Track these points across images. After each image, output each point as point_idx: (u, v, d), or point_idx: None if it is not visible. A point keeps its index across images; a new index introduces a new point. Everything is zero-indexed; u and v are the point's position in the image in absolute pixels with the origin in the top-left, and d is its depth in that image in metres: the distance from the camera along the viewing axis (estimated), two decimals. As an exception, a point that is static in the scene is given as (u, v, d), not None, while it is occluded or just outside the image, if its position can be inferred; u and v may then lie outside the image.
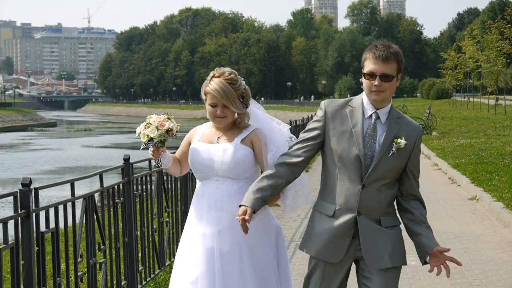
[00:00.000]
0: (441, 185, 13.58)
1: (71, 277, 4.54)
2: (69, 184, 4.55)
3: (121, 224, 5.60)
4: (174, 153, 4.18)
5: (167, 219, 6.58)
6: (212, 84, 3.84)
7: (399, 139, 3.55)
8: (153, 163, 4.03)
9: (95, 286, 4.86)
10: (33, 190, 3.99)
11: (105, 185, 5.17)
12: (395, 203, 3.71)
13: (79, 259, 4.64)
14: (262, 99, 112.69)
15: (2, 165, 32.49)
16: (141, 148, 3.93)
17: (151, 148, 3.89)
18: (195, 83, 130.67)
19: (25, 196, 3.91)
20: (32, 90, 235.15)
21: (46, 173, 28.77)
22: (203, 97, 3.94)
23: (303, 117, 23.78)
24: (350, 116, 3.60)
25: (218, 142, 3.91)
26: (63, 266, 5.10)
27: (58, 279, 4.30)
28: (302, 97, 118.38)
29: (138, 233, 5.85)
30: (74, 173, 28.44)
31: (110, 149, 43.32)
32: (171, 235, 6.69)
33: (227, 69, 3.91)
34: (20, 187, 3.92)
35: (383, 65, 3.50)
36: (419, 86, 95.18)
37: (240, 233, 3.69)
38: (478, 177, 12.97)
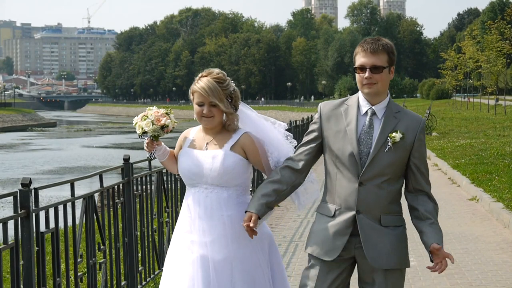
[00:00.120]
0: (441, 185, 13.57)
1: (71, 277, 4.54)
2: (69, 184, 4.55)
3: (121, 224, 5.60)
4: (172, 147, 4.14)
5: (167, 219, 6.58)
6: (199, 83, 3.80)
7: (394, 133, 3.50)
8: (147, 155, 3.98)
9: (95, 286, 4.86)
10: (33, 190, 3.99)
11: (105, 185, 5.17)
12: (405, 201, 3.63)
13: (79, 259, 4.63)
14: (262, 99, 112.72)
15: (2, 165, 32.49)
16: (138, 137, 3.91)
17: (146, 140, 3.87)
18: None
19: (25, 196, 3.91)
20: (32, 90, 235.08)
21: (46, 173, 28.77)
22: (191, 96, 3.88)
23: (303, 117, 23.76)
24: (345, 114, 3.58)
25: (207, 149, 3.84)
26: (63, 266, 5.11)
27: (58, 279, 4.30)
28: (302, 97, 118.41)
29: (138, 233, 5.84)
30: (74, 173, 28.44)
31: (110, 149, 43.32)
32: (171, 235, 6.68)
33: (216, 70, 3.87)
34: (20, 187, 3.92)
35: (373, 57, 3.50)
36: (419, 86, 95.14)
37: (231, 242, 3.69)
38: (478, 178, 12.97)
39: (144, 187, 5.98)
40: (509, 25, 41.12)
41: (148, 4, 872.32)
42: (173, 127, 3.88)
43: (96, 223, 4.95)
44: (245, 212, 3.67)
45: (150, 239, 6.11)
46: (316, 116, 3.68)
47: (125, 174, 5.57)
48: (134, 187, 5.73)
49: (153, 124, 3.80)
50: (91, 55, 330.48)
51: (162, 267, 6.39)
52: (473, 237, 8.62)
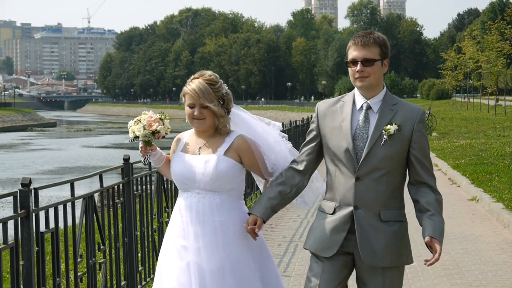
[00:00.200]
0: (441, 185, 13.47)
1: (70, 277, 4.54)
2: (69, 184, 4.55)
3: (121, 224, 5.60)
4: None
5: (167, 219, 6.57)
6: (190, 85, 3.76)
7: (389, 125, 3.45)
8: (141, 160, 3.96)
9: (94, 286, 4.85)
10: (32, 190, 3.99)
11: (105, 185, 5.17)
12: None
13: (78, 259, 4.63)
14: (263, 99, 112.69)
15: (2, 165, 32.49)
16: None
17: (140, 145, 3.84)
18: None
19: (25, 196, 3.91)
20: (32, 90, 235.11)
21: (46, 173, 28.78)
22: (182, 99, 3.83)
23: (303, 118, 23.73)
24: (340, 111, 3.57)
25: (199, 153, 3.80)
26: (62, 266, 5.11)
27: (57, 279, 4.30)
28: (302, 98, 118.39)
29: (138, 233, 5.84)
30: (74, 173, 28.44)
31: (110, 149, 43.33)
32: (171, 235, 6.68)
33: (208, 72, 3.83)
34: (20, 187, 3.92)
35: (364, 50, 3.48)
36: (419, 86, 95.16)
37: (222, 249, 3.67)
38: (478, 178, 12.97)
39: (144, 187, 5.97)
40: (509, 26, 41.14)
41: (148, 4, 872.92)
42: (165, 134, 3.82)
43: (96, 223, 4.94)
44: (249, 213, 3.65)
45: (150, 239, 6.11)
46: (314, 115, 3.69)
47: (125, 174, 5.57)
48: (134, 187, 5.72)
49: (144, 129, 3.76)
50: (91, 55, 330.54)
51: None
52: (473, 238, 8.62)
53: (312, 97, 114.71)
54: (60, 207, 4.42)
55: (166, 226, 6.53)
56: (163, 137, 3.82)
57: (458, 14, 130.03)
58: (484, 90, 49.44)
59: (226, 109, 3.81)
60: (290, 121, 17.85)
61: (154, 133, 3.77)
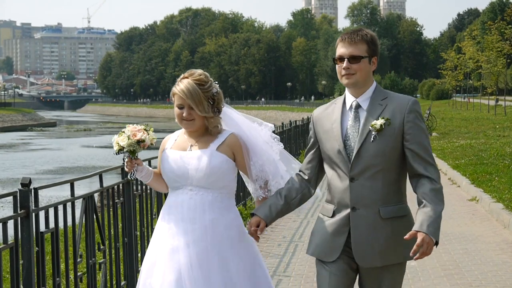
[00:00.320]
0: (441, 185, 13.56)
1: (70, 277, 4.54)
2: (68, 184, 4.55)
3: (120, 224, 5.60)
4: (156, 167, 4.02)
5: (166, 219, 6.57)
6: (179, 85, 3.70)
7: (375, 120, 3.41)
8: (128, 176, 3.86)
9: (94, 286, 4.85)
10: (32, 190, 3.98)
11: (104, 185, 5.16)
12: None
13: (78, 259, 4.63)
14: (263, 99, 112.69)
15: (2, 165, 32.48)
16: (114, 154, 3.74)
17: (125, 159, 3.73)
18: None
19: (25, 196, 3.91)
20: (32, 90, 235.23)
21: (46, 173, 28.78)
22: (172, 99, 3.76)
23: (303, 118, 23.72)
24: (332, 113, 3.57)
25: (191, 150, 3.74)
26: (62, 266, 5.11)
27: (57, 279, 4.29)
28: (302, 98, 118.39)
29: (138, 233, 5.84)
30: (74, 173, 28.44)
31: (110, 149, 42.77)
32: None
33: (198, 71, 3.75)
34: (20, 187, 3.92)
35: (350, 47, 3.46)
36: (419, 86, 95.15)
37: (211, 246, 3.63)
38: (478, 178, 12.97)
39: (144, 187, 5.97)
40: (509, 26, 41.17)
41: (148, 4, 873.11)
42: (151, 143, 3.72)
43: (96, 223, 4.94)
44: (252, 214, 3.62)
45: (150, 239, 6.10)
46: (311, 122, 3.70)
47: (125, 174, 5.56)
48: (134, 187, 5.72)
49: (128, 138, 3.66)
50: (91, 55, 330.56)
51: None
52: (473, 238, 8.62)
53: (312, 97, 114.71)
54: (60, 207, 4.42)
55: (166, 226, 6.55)
56: (148, 146, 3.71)
57: (458, 14, 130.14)
58: (484, 90, 49.46)
59: (216, 109, 3.75)
60: (290, 121, 17.82)
61: (139, 142, 3.67)
